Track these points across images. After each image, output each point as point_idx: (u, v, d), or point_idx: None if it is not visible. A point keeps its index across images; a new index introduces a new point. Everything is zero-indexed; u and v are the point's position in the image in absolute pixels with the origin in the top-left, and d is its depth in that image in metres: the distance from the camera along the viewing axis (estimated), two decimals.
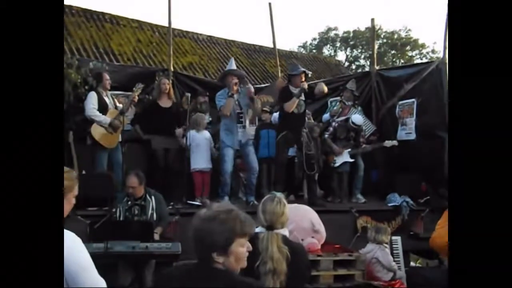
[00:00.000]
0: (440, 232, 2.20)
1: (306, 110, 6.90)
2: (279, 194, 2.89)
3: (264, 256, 2.53)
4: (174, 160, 6.53)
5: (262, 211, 2.74)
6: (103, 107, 6.18)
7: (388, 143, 7.25)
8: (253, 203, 6.26)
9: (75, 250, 1.94)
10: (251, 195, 6.41)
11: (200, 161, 6.41)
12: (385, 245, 5.44)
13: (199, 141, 6.42)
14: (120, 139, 6.21)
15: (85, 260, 1.97)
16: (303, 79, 6.48)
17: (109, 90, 6.41)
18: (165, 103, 6.56)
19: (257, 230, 2.68)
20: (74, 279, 1.89)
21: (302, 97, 6.49)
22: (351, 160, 7.11)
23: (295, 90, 6.45)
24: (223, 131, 6.29)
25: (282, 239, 2.63)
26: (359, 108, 7.96)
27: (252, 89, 6.25)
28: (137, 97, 6.25)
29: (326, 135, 7.27)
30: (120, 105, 6.41)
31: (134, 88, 6.24)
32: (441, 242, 2.20)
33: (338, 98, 8.14)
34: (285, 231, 2.73)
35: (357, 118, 7.28)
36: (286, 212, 2.77)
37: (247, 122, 6.37)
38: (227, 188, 6.28)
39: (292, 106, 6.39)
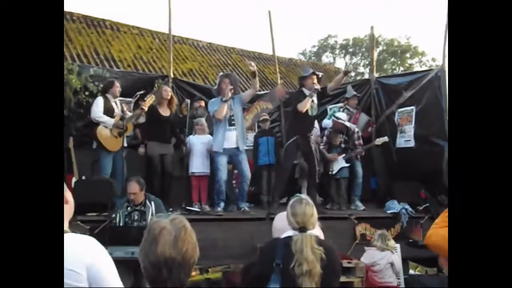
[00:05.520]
0: (438, 230, 2.17)
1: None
2: (304, 196, 2.89)
3: (299, 258, 2.52)
4: (170, 166, 6.54)
5: (293, 214, 2.71)
6: (109, 112, 6.27)
7: (379, 140, 7.27)
8: (244, 209, 6.31)
9: (104, 253, 1.92)
10: (242, 201, 6.42)
11: (197, 165, 6.45)
12: (394, 250, 5.46)
13: (197, 145, 6.48)
14: (125, 144, 6.25)
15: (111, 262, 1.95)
16: (314, 81, 6.50)
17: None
18: (164, 110, 6.58)
19: (289, 233, 2.69)
20: (100, 282, 1.85)
21: (315, 100, 6.51)
22: (347, 165, 7.12)
23: (307, 92, 6.47)
24: (213, 136, 6.32)
25: (316, 240, 2.63)
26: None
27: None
28: (146, 107, 6.27)
29: (321, 146, 7.29)
30: (128, 113, 6.47)
31: (145, 98, 6.30)
32: (438, 239, 2.18)
33: (339, 105, 8.18)
34: (316, 232, 2.73)
35: (340, 114, 7.30)
36: (315, 213, 2.77)
37: (241, 125, 6.30)
38: (222, 195, 6.29)
39: (305, 106, 6.36)
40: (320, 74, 6.78)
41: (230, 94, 6.14)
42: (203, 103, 7.22)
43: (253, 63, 6.06)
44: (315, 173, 6.51)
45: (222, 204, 6.27)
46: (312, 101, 6.45)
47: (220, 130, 6.21)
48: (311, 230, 2.69)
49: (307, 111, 6.42)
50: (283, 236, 2.71)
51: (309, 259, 2.52)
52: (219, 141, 6.18)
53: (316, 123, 7.45)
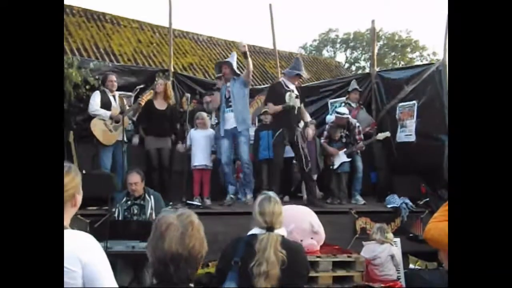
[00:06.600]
0: (437, 224, 2.17)
1: (310, 120, 6.99)
2: (272, 193, 2.82)
3: (260, 257, 2.47)
4: (167, 160, 6.53)
5: (260, 213, 2.65)
6: (106, 106, 6.27)
7: (380, 135, 7.24)
8: (246, 199, 6.35)
9: (100, 251, 1.90)
10: (248, 190, 6.43)
11: (198, 158, 6.45)
12: (393, 242, 5.47)
13: (199, 139, 6.48)
14: (125, 139, 6.24)
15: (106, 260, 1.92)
16: (295, 82, 6.55)
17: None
18: (160, 104, 6.57)
19: (255, 231, 2.64)
20: (95, 280, 1.82)
21: (296, 93, 6.49)
22: (348, 160, 7.11)
23: (287, 87, 6.47)
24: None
25: (281, 241, 2.57)
26: (364, 109, 7.97)
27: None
28: (144, 101, 6.38)
29: (322, 140, 7.27)
30: (127, 107, 6.50)
31: (145, 93, 6.36)
32: (437, 233, 2.16)
33: (339, 99, 8.16)
34: (283, 231, 2.67)
35: (342, 109, 7.28)
36: (282, 211, 2.72)
37: (239, 105, 6.29)
38: (228, 177, 6.38)
39: (274, 110, 6.45)
40: (295, 72, 6.59)
41: (220, 83, 6.35)
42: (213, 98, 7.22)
43: (244, 43, 6.10)
44: (302, 163, 6.45)
45: (231, 188, 6.36)
46: (292, 91, 6.44)
47: (222, 115, 6.37)
48: (278, 229, 2.64)
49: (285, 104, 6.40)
50: (248, 233, 2.67)
51: (269, 260, 2.46)
52: (221, 126, 6.35)
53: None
